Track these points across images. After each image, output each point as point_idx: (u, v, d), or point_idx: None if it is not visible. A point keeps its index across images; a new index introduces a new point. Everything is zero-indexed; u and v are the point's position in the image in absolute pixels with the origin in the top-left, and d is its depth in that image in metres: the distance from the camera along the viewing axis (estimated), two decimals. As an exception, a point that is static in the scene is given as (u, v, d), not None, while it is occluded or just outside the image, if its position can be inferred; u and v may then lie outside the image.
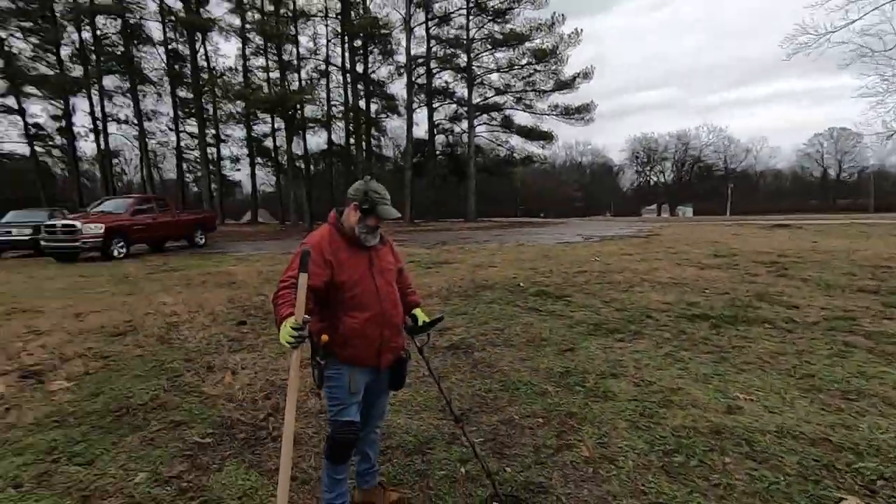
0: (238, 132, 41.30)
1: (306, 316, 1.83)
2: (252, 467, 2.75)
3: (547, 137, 38.04)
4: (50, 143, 40.01)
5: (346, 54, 34.63)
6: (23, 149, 39.55)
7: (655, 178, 78.53)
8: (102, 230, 13.63)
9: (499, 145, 41.67)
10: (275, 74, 34.89)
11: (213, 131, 39.21)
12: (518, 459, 2.76)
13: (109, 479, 2.65)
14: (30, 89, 31.79)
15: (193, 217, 18.48)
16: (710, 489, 2.41)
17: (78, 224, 13.49)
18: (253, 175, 44.08)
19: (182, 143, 40.38)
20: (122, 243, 14.33)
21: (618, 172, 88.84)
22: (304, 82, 34.75)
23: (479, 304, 6.76)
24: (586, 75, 34.99)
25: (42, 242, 13.89)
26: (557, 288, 7.64)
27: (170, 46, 35.06)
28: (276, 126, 40.80)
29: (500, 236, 20.43)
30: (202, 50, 35.10)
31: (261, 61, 36.37)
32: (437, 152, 41.87)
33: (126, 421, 3.37)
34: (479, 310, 6.41)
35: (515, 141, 40.03)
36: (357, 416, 2.15)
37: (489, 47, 35.63)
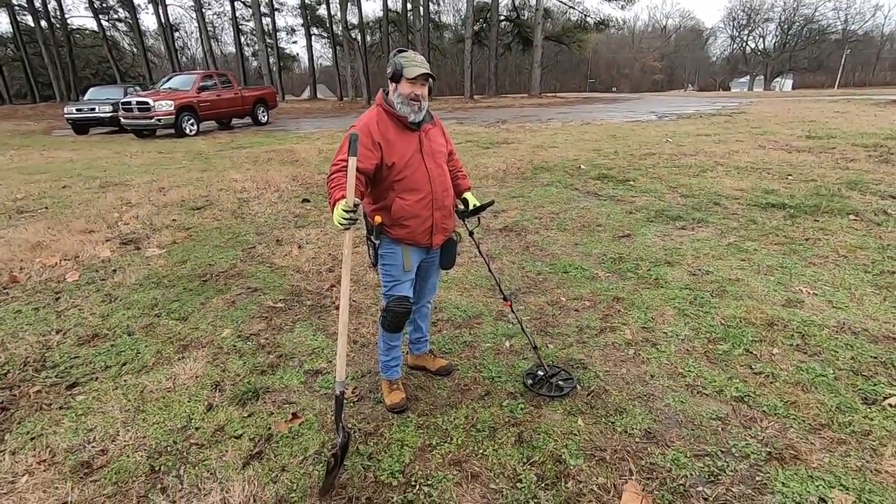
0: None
1: (357, 199, 1.87)
2: (319, 330, 3.09)
3: (628, -5, 33.27)
4: (115, 16, 40.43)
5: None
6: (91, 24, 40.24)
7: (752, 45, 67.65)
8: (173, 107, 14.09)
9: (571, 7, 37.12)
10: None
11: (267, -1, 37.68)
12: (561, 338, 2.90)
13: (202, 333, 3.09)
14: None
15: (255, 93, 18.45)
16: (750, 376, 2.44)
17: (150, 101, 13.97)
18: (309, 47, 42.81)
19: (238, 14, 39.46)
20: (191, 120, 14.84)
21: (707, 38, 77.83)
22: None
23: (535, 186, 6.62)
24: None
25: (122, 119, 14.64)
26: (621, 171, 7.27)
27: None
28: (329, -10, 38.39)
29: (564, 114, 19.16)
30: None
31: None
32: (501, 18, 38.02)
33: (210, 285, 3.81)
34: (536, 193, 6.29)
35: (590, 2, 35.43)
36: (410, 292, 2.29)
37: None
